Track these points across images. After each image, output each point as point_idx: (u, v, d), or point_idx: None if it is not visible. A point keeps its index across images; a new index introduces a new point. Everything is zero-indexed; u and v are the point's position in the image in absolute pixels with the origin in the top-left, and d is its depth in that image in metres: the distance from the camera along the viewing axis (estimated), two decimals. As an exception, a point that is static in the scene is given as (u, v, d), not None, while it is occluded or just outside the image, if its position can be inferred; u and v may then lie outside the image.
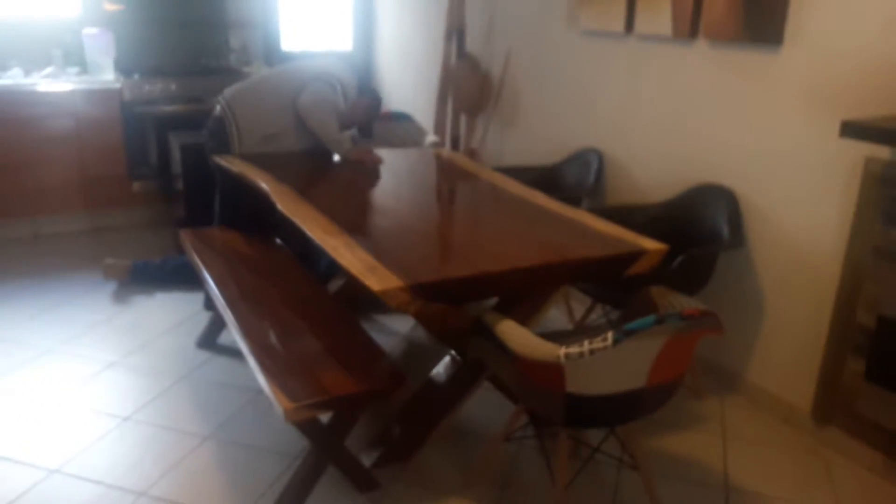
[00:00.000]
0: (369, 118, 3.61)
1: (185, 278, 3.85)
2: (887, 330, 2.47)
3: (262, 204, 2.80)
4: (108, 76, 4.72)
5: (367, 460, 2.47)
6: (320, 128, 3.32)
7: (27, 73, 4.59)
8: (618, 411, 2.00)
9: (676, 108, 3.24)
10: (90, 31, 4.72)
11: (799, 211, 2.77)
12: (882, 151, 2.45)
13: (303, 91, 3.30)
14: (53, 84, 4.46)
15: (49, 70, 4.60)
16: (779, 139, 2.81)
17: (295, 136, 3.38)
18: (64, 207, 4.66)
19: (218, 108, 3.43)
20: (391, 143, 4.13)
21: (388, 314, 3.65)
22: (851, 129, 2.32)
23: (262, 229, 3.26)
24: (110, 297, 3.79)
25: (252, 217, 3.25)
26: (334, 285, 3.64)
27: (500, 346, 2.02)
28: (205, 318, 3.44)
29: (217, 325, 3.26)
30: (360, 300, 3.43)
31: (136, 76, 4.76)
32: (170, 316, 3.60)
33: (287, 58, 5.49)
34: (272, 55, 5.59)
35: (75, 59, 4.79)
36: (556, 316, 3.75)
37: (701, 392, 3.06)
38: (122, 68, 4.91)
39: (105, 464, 2.47)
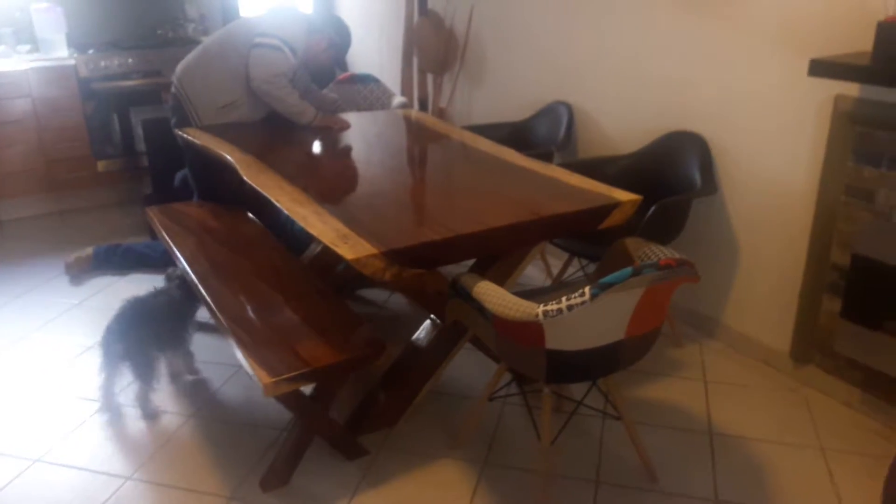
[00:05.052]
0: (332, 58, 3.42)
1: (149, 266, 3.74)
2: (861, 268, 2.49)
3: (233, 176, 2.74)
4: (61, 53, 4.56)
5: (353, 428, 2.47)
6: (279, 104, 3.21)
7: (-24, 54, 4.44)
8: (599, 364, 2.01)
9: (644, 55, 3.20)
10: (39, 5, 4.54)
11: (770, 153, 2.76)
12: (851, 88, 2.44)
13: (248, 62, 3.18)
14: (5, 64, 4.30)
15: (-1, 49, 4.45)
16: (748, 82, 2.78)
17: (250, 104, 3.28)
18: (26, 191, 4.54)
19: (172, 85, 3.34)
20: (358, 107, 4.05)
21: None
22: (820, 67, 2.30)
23: (240, 202, 3.19)
24: (81, 280, 3.72)
25: (230, 190, 3.17)
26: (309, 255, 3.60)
27: (479, 308, 2.01)
28: (180, 295, 3.38)
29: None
30: (345, 281, 3.37)
31: (91, 51, 4.61)
32: (144, 296, 3.54)
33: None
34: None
35: (25, 36, 4.62)
36: (533, 272, 3.75)
37: (680, 339, 3.08)
38: (76, 44, 4.75)
39: (89, 449, 2.45)
